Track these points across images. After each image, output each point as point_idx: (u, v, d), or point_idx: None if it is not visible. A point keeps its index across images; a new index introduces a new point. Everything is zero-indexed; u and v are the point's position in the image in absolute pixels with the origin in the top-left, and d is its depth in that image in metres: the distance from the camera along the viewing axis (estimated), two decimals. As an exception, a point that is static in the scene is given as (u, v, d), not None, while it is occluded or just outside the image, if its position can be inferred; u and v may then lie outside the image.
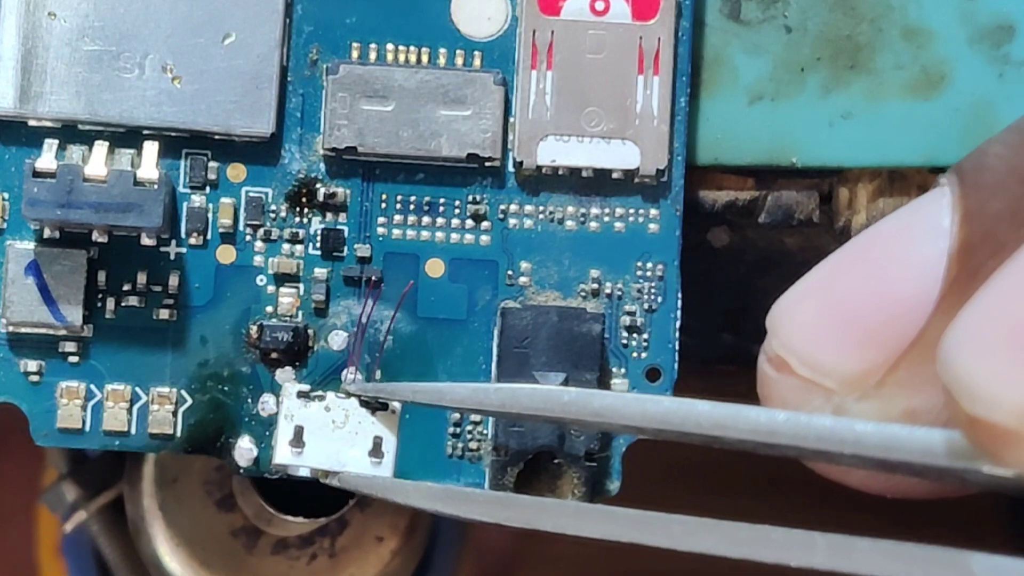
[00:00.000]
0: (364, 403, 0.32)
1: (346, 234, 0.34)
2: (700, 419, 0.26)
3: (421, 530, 0.39)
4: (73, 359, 0.33)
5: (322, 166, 0.34)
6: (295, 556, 0.38)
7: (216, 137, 0.33)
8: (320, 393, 0.33)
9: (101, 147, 0.33)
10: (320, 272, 0.34)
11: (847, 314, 0.26)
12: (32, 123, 0.33)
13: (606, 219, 0.34)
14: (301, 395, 0.32)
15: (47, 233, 0.33)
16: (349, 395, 0.32)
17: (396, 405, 0.32)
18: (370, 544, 0.38)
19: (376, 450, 0.32)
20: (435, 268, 0.34)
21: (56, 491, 0.40)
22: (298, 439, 0.32)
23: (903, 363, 0.26)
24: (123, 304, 0.33)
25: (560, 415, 0.28)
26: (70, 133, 0.33)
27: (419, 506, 0.31)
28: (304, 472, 0.32)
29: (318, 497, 0.36)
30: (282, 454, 0.32)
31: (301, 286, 0.34)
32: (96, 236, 0.33)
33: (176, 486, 0.37)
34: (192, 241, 0.33)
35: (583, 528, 0.27)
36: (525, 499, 0.29)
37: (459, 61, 0.34)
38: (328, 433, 0.32)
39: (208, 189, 0.33)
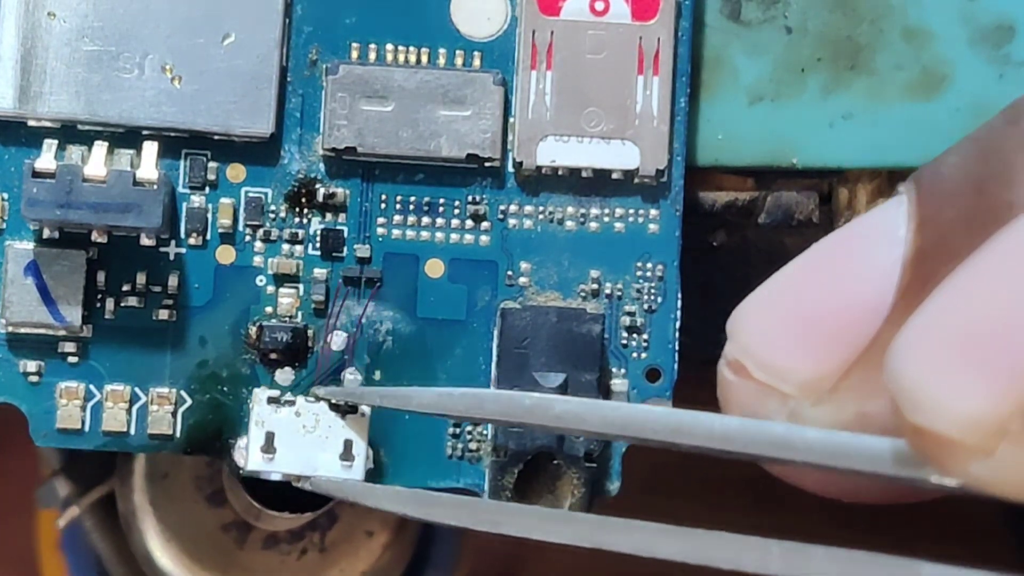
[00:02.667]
0: (333, 407, 0.33)
1: (346, 234, 0.34)
2: (656, 425, 0.26)
3: (412, 525, 0.39)
4: (72, 359, 0.33)
5: (322, 166, 0.34)
6: (285, 551, 0.38)
7: (216, 137, 0.33)
8: (290, 398, 0.33)
9: (101, 147, 0.33)
10: (320, 272, 0.34)
11: (804, 320, 0.26)
12: (32, 123, 0.33)
13: (606, 219, 0.34)
14: (271, 401, 0.33)
15: (46, 233, 0.33)
16: (318, 399, 0.33)
17: (366, 408, 0.32)
18: (360, 539, 0.38)
19: (347, 453, 0.32)
20: (435, 268, 0.34)
21: (49, 487, 0.40)
22: (269, 445, 0.32)
23: (856, 369, 0.26)
24: (122, 304, 0.33)
25: (522, 420, 0.28)
26: (70, 133, 0.33)
27: (389, 509, 0.31)
28: (276, 477, 0.32)
29: (307, 492, 0.36)
30: (254, 461, 0.32)
31: (301, 286, 0.34)
32: (95, 236, 0.33)
33: (166, 482, 0.37)
34: (191, 241, 0.33)
35: (547, 533, 0.28)
36: (490, 504, 0.30)
37: (459, 61, 0.34)
38: (299, 438, 0.33)
39: (207, 189, 0.33)
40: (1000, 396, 0.23)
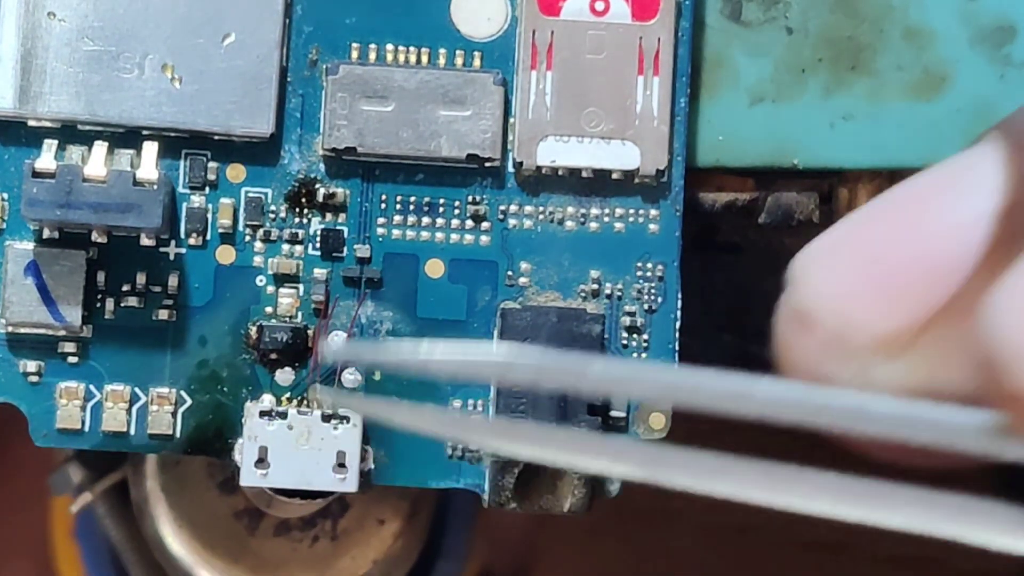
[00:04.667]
0: (325, 418, 0.33)
1: (346, 235, 0.34)
2: (708, 391, 0.23)
3: (424, 513, 0.39)
4: (72, 359, 0.33)
5: (322, 166, 0.34)
6: (297, 538, 0.38)
7: (216, 137, 0.33)
8: (281, 410, 0.33)
9: (100, 147, 0.33)
10: (320, 273, 0.34)
11: (880, 269, 0.24)
12: (32, 123, 0.33)
13: (606, 219, 0.34)
14: (263, 414, 0.33)
15: (46, 233, 0.33)
16: (312, 406, 0.32)
17: (357, 419, 0.32)
18: (372, 526, 0.38)
19: (340, 464, 0.32)
20: (435, 269, 0.34)
21: (63, 473, 0.40)
22: (263, 459, 0.32)
23: (934, 326, 0.24)
24: (122, 304, 0.33)
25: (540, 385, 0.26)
26: (70, 133, 0.33)
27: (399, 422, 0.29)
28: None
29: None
30: (248, 476, 0.33)
31: (301, 287, 0.34)
32: (95, 236, 0.33)
33: (179, 469, 0.37)
34: (191, 241, 0.33)
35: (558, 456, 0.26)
36: (490, 422, 0.28)
37: (459, 61, 0.34)
38: (292, 451, 0.33)
39: (207, 189, 0.33)
40: None
